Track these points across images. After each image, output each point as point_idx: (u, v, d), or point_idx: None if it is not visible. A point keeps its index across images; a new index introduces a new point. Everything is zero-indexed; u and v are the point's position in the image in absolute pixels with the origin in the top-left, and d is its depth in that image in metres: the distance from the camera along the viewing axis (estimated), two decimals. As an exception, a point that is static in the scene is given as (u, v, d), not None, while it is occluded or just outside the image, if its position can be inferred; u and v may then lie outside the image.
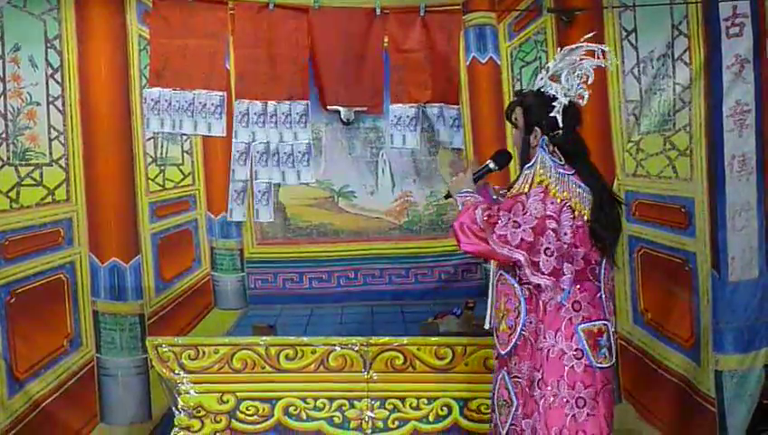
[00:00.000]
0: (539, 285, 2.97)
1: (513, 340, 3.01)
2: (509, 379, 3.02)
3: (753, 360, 4.10)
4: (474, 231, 2.93)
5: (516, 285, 3.03)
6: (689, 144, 4.22)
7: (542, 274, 2.93)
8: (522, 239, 2.89)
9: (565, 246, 2.92)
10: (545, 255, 2.91)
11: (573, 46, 3.00)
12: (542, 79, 3.05)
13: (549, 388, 2.95)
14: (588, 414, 2.93)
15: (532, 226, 2.89)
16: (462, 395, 3.92)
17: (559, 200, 2.92)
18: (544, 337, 2.97)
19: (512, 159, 3.29)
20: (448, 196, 3.22)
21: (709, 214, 4.17)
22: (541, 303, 2.98)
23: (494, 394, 3.12)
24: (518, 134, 3.09)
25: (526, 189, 2.97)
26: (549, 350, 2.96)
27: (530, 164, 3.05)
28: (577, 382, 2.94)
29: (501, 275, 3.06)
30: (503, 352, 3.04)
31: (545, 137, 3.02)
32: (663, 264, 4.32)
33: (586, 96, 3.05)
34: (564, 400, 2.93)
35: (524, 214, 2.91)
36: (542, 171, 2.99)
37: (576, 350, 2.94)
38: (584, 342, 2.94)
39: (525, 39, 4.53)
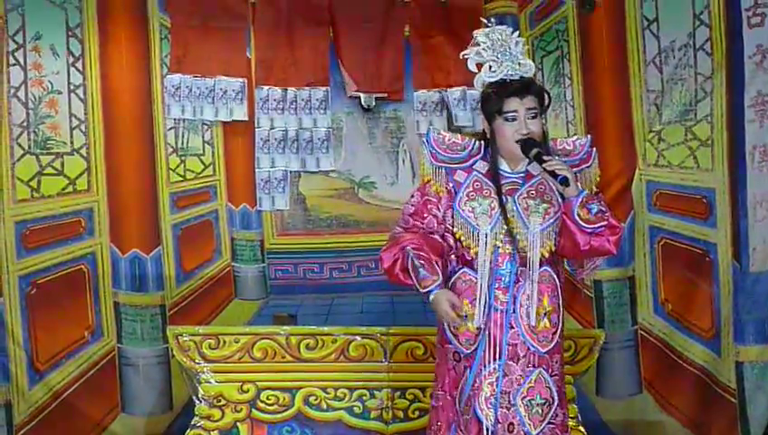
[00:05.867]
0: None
1: (556, 338, 2.95)
2: (550, 377, 2.96)
3: (774, 351, 4.08)
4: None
5: (557, 282, 2.96)
6: (710, 134, 4.20)
7: None
8: None
9: None
10: None
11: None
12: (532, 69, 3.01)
13: None
14: None
15: None
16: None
17: None
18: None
19: None
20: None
21: (730, 204, 4.14)
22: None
23: (515, 393, 2.91)
24: (538, 123, 3.01)
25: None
26: None
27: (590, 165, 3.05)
28: None
29: (545, 270, 2.93)
30: (543, 351, 2.91)
31: None
32: (684, 254, 4.31)
33: None
34: None
35: None
36: None
37: None
38: None
39: (547, 28, 4.55)
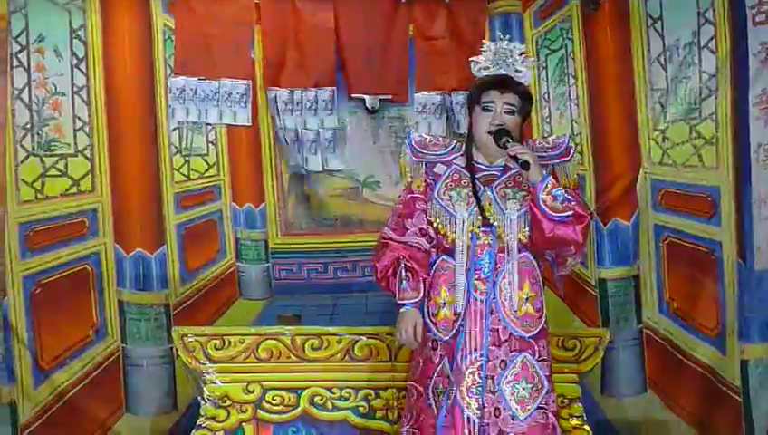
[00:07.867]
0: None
1: (542, 323, 3.02)
2: (537, 362, 2.99)
3: (779, 350, 4.08)
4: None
5: (537, 269, 3.05)
6: (715, 133, 4.20)
7: None
8: None
9: None
10: None
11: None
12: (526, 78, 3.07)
13: None
14: None
15: None
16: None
17: None
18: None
19: None
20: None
21: (735, 203, 4.14)
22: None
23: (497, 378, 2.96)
24: (514, 120, 3.02)
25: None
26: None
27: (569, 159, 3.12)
28: None
29: (525, 256, 3.02)
30: (527, 336, 2.98)
31: None
32: (689, 253, 4.30)
33: None
34: None
35: None
36: None
37: None
38: None
39: (551, 27, 4.54)
